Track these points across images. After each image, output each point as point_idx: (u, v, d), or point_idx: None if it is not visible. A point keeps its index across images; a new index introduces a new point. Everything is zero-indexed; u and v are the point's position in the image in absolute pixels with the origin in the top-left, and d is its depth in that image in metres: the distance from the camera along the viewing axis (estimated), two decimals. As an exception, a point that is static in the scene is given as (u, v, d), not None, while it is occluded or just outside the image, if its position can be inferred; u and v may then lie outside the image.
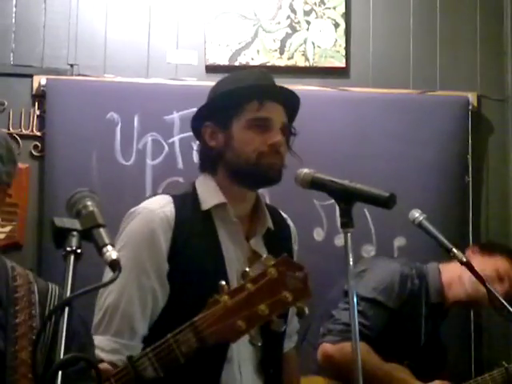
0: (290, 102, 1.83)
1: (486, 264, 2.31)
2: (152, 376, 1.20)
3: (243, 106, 1.75)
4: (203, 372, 1.60)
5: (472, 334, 2.92)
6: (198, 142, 1.89)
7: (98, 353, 1.55)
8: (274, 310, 1.19)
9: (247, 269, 1.22)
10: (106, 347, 1.59)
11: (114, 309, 1.65)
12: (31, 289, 1.40)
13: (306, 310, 1.23)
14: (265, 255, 1.74)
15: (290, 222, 1.98)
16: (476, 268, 2.07)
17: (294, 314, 1.95)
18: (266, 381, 1.75)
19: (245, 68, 2.92)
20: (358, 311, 2.08)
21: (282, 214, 1.98)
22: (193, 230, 1.73)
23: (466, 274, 2.21)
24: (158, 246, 1.69)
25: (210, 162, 1.83)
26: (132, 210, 1.76)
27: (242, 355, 1.71)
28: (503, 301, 2.05)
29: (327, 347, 2.17)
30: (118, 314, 1.64)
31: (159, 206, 1.74)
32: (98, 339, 1.59)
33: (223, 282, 1.22)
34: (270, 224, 1.84)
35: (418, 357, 2.29)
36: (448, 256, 2.13)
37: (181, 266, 1.69)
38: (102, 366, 1.50)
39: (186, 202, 1.78)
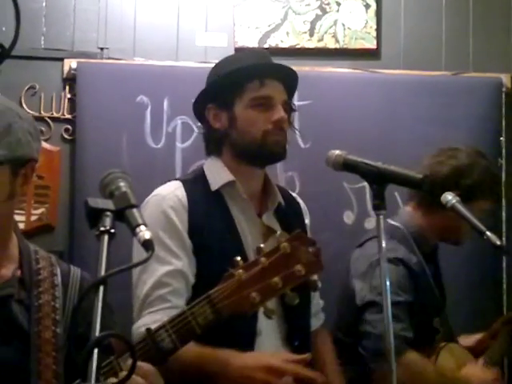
0: (289, 79, 1.87)
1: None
2: (170, 347, 1.22)
3: (244, 86, 1.79)
4: (237, 347, 1.63)
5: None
6: (199, 125, 1.94)
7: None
8: (287, 282, 1.22)
9: (262, 245, 1.26)
10: (149, 322, 1.61)
11: (150, 295, 1.69)
12: (54, 271, 1.42)
13: (319, 284, 1.25)
14: (278, 230, 1.78)
15: (299, 199, 2.03)
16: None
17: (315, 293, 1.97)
18: (293, 353, 1.76)
19: (275, 50, 2.91)
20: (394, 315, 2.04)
21: (291, 192, 2.03)
22: (206, 210, 1.77)
23: (439, 217, 2.16)
24: (176, 226, 1.73)
25: (215, 143, 1.87)
26: (144, 201, 1.79)
27: (268, 328, 1.73)
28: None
29: None
30: (154, 297, 1.69)
31: (170, 191, 1.79)
32: (143, 321, 1.64)
33: (238, 258, 1.25)
34: (280, 199, 1.88)
35: (440, 310, 2.27)
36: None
37: (201, 244, 1.73)
38: None
39: (196, 184, 1.82)
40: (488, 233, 2.03)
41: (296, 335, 1.79)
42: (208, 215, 1.76)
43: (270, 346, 1.74)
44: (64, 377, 1.32)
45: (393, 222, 2.25)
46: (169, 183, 1.85)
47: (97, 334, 0.94)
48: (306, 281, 1.24)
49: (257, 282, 1.21)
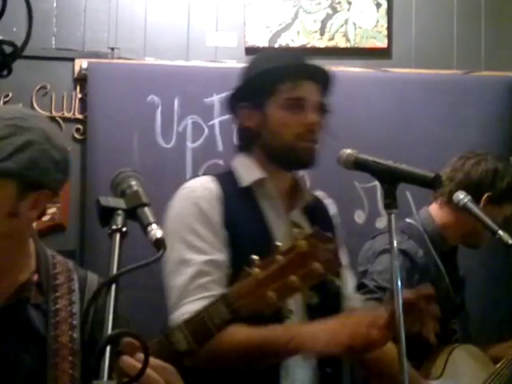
0: (324, 80, 1.84)
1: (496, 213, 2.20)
2: (186, 349, 1.20)
3: (278, 86, 1.76)
4: None
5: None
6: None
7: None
8: (305, 281, 1.18)
9: (279, 243, 1.23)
10: (192, 310, 1.59)
11: (190, 284, 1.66)
12: (71, 276, 1.41)
13: (337, 282, 1.22)
14: (307, 228, 1.76)
15: (324, 198, 1.99)
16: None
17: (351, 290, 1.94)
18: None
19: (285, 50, 2.90)
20: (378, 298, 2.05)
21: (316, 194, 2.00)
22: (239, 205, 1.74)
23: (465, 219, 2.16)
24: (209, 217, 1.70)
25: (246, 141, 1.85)
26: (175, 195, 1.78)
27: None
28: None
29: None
30: (195, 286, 1.65)
31: (201, 184, 1.77)
32: (185, 308, 1.59)
33: (254, 256, 1.21)
34: (309, 198, 1.86)
35: (457, 311, 2.26)
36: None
37: (234, 237, 1.70)
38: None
39: (227, 180, 1.80)
40: (500, 232, 2.04)
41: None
42: (240, 209, 1.74)
43: None
44: (80, 381, 1.32)
45: (408, 220, 2.26)
46: (197, 178, 1.83)
47: (109, 332, 0.95)
48: (324, 279, 1.23)
49: (274, 280, 1.18)
